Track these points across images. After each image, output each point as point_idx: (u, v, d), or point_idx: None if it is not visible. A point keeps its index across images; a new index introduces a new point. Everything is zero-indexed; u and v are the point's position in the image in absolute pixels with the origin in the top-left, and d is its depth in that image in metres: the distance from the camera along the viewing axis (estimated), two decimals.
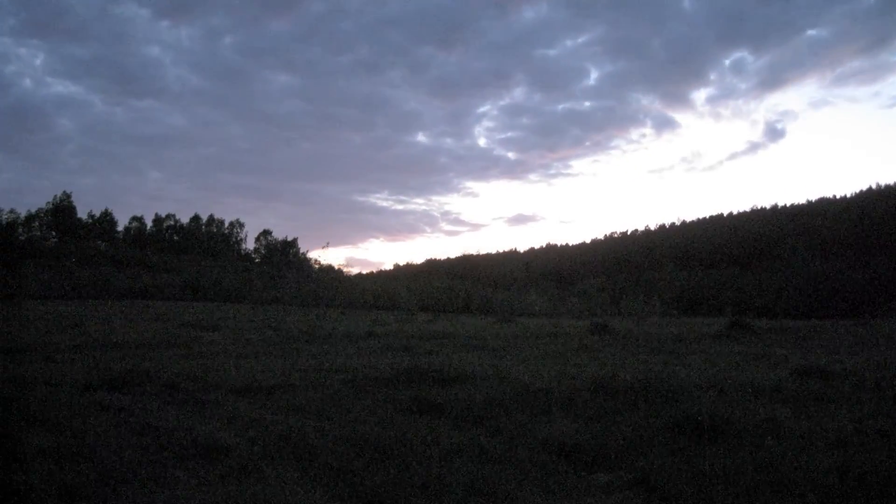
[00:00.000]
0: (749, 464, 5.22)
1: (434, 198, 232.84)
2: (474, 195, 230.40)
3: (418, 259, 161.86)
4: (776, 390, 8.41)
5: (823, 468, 5.04)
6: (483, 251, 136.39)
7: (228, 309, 37.26)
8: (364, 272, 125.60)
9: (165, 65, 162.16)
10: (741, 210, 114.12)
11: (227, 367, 10.74)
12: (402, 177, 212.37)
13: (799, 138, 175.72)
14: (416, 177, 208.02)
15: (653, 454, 5.62)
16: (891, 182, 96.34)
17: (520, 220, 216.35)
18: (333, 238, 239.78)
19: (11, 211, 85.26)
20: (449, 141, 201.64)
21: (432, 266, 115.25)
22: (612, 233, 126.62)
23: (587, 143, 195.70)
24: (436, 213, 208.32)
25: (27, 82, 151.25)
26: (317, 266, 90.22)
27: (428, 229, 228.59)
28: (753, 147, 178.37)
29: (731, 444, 5.81)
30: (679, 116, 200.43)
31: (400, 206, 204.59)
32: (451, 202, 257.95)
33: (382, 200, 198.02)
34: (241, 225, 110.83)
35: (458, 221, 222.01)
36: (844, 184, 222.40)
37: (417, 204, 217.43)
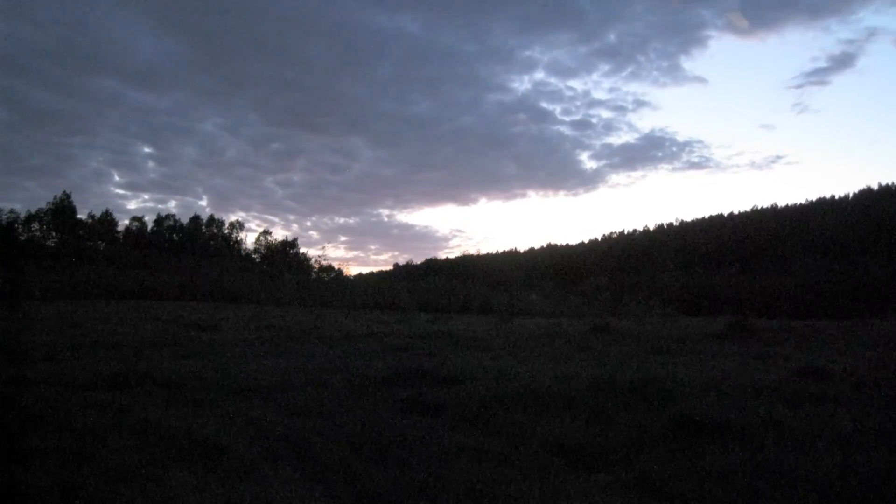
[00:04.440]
0: (749, 464, 5.21)
1: (629, 86, 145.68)
2: (701, 80, 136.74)
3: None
4: (776, 390, 8.40)
5: (823, 468, 5.04)
6: (483, 251, 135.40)
7: (228, 309, 37.25)
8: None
9: None
10: (741, 210, 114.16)
11: (227, 367, 10.74)
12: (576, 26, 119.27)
13: None
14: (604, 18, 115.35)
15: (653, 454, 5.62)
16: (891, 182, 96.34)
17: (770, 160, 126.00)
18: (439, 188, 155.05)
19: (11, 211, 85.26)
20: None
21: (432, 266, 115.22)
22: (612, 233, 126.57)
23: None
24: (618, 122, 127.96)
25: None
26: (317, 266, 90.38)
27: (588, 166, 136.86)
28: None
29: (731, 444, 5.80)
30: None
31: (555, 107, 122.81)
32: (654, 96, 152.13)
33: (536, 93, 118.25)
34: (241, 225, 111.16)
35: (645, 145, 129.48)
36: None
37: (593, 91, 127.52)
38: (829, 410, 7.20)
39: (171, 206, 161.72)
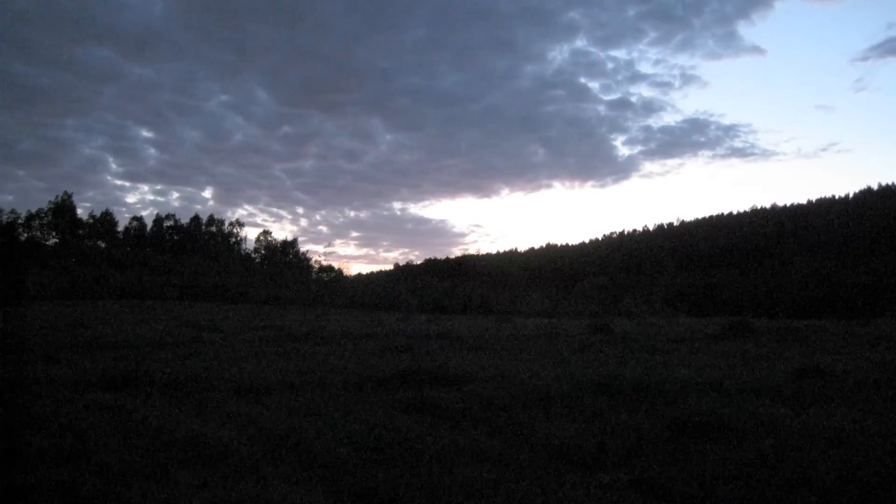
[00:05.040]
0: (749, 464, 5.21)
1: (677, 58, 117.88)
2: (759, 50, 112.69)
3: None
4: (776, 390, 8.41)
5: (823, 468, 5.04)
6: (483, 251, 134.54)
7: (228, 309, 37.22)
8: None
9: None
10: (741, 210, 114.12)
11: (227, 367, 10.74)
12: None
13: None
14: None
15: (653, 454, 5.62)
16: (891, 182, 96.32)
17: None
18: (461, 177, 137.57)
19: (12, 211, 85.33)
20: None
21: (432, 266, 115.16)
22: (612, 233, 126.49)
23: None
24: (660, 102, 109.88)
25: None
26: (317, 266, 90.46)
27: (621, 153, 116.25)
28: None
29: (731, 445, 5.80)
30: None
31: (595, 83, 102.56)
32: (704, 70, 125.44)
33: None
34: (241, 225, 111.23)
35: (687, 128, 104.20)
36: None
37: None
38: (829, 410, 7.20)
39: (173, 198, 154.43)
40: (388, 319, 30.56)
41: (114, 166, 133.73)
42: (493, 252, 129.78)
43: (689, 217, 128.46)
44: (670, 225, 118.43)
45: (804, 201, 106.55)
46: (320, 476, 5.12)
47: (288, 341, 17.04)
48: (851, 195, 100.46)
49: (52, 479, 4.76)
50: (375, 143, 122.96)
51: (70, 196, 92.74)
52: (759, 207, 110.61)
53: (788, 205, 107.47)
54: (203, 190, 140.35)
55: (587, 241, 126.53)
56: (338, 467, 5.28)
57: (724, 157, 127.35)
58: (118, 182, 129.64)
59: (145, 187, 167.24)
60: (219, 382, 9.07)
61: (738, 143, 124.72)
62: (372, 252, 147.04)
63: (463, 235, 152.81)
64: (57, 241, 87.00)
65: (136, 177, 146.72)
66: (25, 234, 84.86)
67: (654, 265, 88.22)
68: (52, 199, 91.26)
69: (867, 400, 7.84)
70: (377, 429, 6.39)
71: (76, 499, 4.51)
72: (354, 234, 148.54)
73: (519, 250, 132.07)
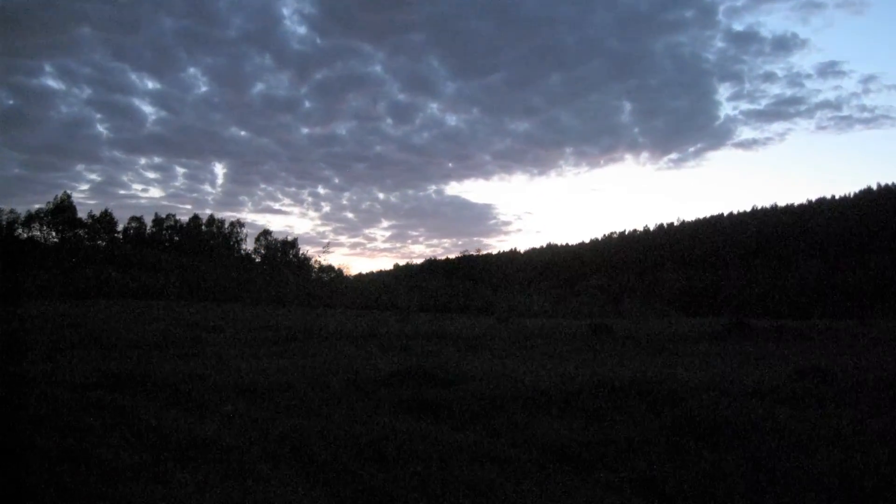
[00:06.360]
0: (749, 464, 5.21)
1: None
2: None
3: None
4: (776, 390, 8.41)
5: (823, 468, 5.03)
6: (483, 251, 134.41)
7: (228, 309, 37.23)
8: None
9: None
10: (741, 210, 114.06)
11: (227, 367, 10.73)
12: None
13: None
14: None
15: (653, 454, 5.61)
16: (891, 182, 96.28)
17: None
18: (522, 145, 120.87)
19: (11, 210, 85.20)
20: None
21: (432, 266, 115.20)
22: (612, 233, 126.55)
23: None
24: (793, 39, 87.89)
25: None
26: (317, 266, 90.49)
27: (722, 112, 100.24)
28: None
29: (730, 445, 5.80)
30: None
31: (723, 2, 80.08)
32: None
33: None
34: (241, 225, 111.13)
35: (814, 78, 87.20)
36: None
37: None
38: (829, 410, 7.20)
39: (177, 174, 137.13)
40: (388, 319, 30.57)
41: (104, 131, 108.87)
42: (494, 252, 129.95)
43: (689, 217, 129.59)
44: (670, 225, 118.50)
45: (803, 201, 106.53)
46: (320, 476, 5.12)
47: (288, 341, 17.04)
48: (852, 195, 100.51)
49: (52, 479, 4.76)
50: (433, 93, 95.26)
51: (69, 196, 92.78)
52: (759, 207, 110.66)
53: (788, 205, 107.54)
54: (213, 163, 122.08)
55: (587, 241, 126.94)
56: (338, 467, 5.28)
57: (842, 120, 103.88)
58: (110, 153, 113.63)
59: (143, 160, 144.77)
60: (219, 382, 9.06)
61: (869, 101, 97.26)
62: (399, 244, 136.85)
63: (508, 224, 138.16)
64: (57, 240, 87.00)
65: (132, 146, 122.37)
66: (25, 234, 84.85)
67: (654, 265, 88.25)
68: (52, 199, 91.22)
69: (867, 400, 7.83)
70: (377, 428, 6.39)
71: (76, 499, 4.51)
72: (385, 222, 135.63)
73: (519, 250, 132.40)
